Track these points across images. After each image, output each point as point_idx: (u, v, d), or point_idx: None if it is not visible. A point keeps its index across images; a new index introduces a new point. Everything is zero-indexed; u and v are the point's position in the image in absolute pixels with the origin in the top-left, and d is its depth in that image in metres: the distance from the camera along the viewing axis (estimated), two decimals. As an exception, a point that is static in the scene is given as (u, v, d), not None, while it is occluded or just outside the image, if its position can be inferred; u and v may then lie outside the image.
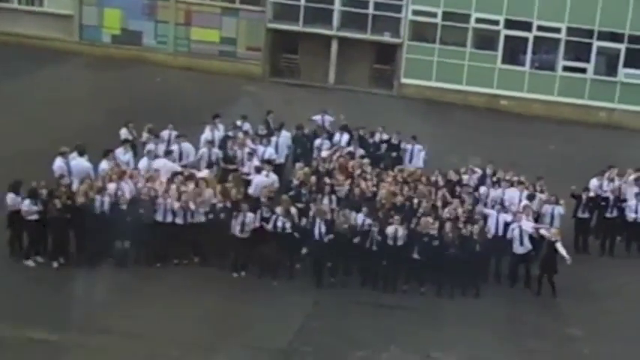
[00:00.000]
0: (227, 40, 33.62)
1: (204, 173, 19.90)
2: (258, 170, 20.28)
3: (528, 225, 18.91)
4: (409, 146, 22.80)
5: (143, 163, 20.05)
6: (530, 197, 20.07)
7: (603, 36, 32.08)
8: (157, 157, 20.37)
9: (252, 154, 21.16)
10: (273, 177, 20.32)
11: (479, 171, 21.24)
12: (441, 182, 20.42)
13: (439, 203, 19.42)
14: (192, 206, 18.35)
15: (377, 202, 19.31)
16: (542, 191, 20.46)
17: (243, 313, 17.07)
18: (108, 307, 16.55)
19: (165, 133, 21.71)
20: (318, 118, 24.41)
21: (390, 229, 18.11)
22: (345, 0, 33.23)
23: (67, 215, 17.78)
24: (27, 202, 17.75)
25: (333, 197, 19.14)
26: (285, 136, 22.60)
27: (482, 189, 20.53)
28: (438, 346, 16.58)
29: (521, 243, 18.75)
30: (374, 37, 33.31)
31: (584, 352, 16.96)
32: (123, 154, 20.30)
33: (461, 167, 21.55)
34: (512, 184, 20.53)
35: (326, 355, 15.99)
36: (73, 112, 26.82)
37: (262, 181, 19.92)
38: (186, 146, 21.32)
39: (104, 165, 19.46)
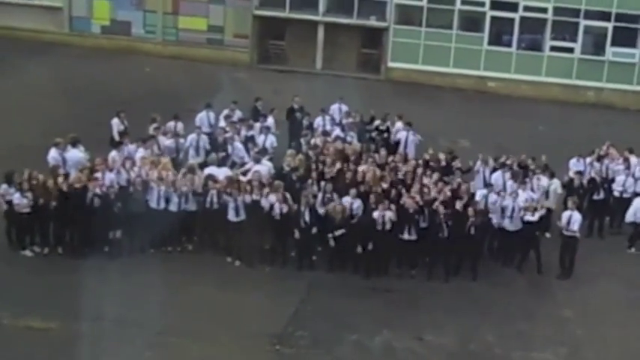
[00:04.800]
0: (214, 28, 33.55)
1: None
2: (257, 161, 20.12)
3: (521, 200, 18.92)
4: (404, 132, 22.59)
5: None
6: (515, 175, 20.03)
7: (590, 15, 32.03)
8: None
9: (252, 142, 21.03)
10: (269, 164, 20.17)
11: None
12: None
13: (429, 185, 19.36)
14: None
15: (364, 186, 19.19)
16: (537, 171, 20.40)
17: (237, 300, 17.14)
18: (103, 296, 16.60)
19: (170, 125, 21.69)
20: (335, 107, 23.81)
21: (377, 213, 18.12)
22: (331, -15, 33.26)
23: (59, 206, 17.81)
24: (17, 195, 17.76)
25: (322, 184, 19.01)
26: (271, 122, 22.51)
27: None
28: (429, 329, 16.70)
29: (511, 219, 18.75)
30: (360, 21, 33.29)
31: (577, 333, 17.07)
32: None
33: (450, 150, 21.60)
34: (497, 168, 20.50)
35: (320, 339, 16.10)
36: (65, 103, 26.74)
37: (259, 169, 19.71)
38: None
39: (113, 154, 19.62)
